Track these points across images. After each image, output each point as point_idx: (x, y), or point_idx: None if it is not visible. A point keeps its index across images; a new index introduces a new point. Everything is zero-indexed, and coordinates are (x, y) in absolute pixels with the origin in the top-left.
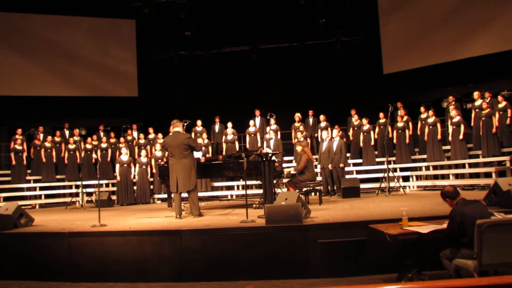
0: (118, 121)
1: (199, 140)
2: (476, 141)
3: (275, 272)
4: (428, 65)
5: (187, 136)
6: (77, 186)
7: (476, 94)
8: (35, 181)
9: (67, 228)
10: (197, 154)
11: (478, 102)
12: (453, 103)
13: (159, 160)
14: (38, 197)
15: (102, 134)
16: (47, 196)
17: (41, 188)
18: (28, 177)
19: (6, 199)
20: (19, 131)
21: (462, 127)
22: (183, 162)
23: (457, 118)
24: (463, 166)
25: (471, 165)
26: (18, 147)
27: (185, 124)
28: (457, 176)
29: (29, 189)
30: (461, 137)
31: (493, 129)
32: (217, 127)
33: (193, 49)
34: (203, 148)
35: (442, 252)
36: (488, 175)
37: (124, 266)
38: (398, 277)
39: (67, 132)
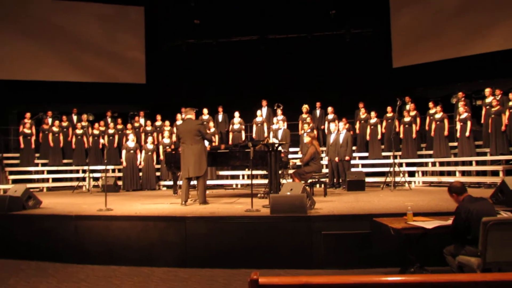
0: (126, 108)
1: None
2: (485, 139)
3: (278, 261)
4: (439, 60)
5: (198, 123)
6: (84, 171)
7: (487, 91)
8: (43, 164)
9: (74, 211)
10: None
11: (488, 99)
12: (462, 99)
13: (167, 147)
14: (46, 180)
15: (109, 120)
16: (54, 180)
17: (49, 172)
18: (36, 161)
19: (14, 181)
20: (28, 115)
21: (469, 123)
22: (194, 148)
23: (464, 115)
24: (470, 163)
25: (478, 163)
26: (27, 131)
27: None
28: (463, 173)
29: (37, 172)
30: (467, 134)
31: (502, 127)
32: (220, 117)
33: (202, 37)
34: (213, 138)
35: (445, 248)
36: (495, 173)
37: (129, 250)
38: (401, 271)
39: (75, 117)
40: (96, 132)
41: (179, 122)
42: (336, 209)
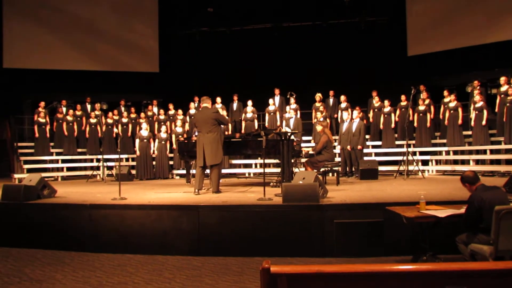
0: (139, 97)
1: None
2: (499, 127)
3: (291, 250)
4: (454, 48)
5: (214, 110)
6: (98, 160)
7: (503, 80)
8: (58, 153)
9: (88, 200)
10: None
11: (504, 88)
12: (477, 88)
13: (180, 136)
14: (61, 169)
15: (123, 109)
16: (69, 169)
17: (63, 161)
18: (51, 150)
19: (29, 170)
20: (42, 104)
21: (485, 112)
22: (209, 136)
23: (480, 104)
24: (484, 152)
25: (492, 151)
26: (41, 120)
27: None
28: (477, 162)
29: (51, 161)
30: (483, 123)
31: None
32: (235, 105)
33: (215, 25)
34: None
35: (458, 237)
36: (509, 162)
37: (143, 239)
38: (413, 259)
39: (88, 106)
40: (109, 121)
41: (192, 111)
42: (348, 197)
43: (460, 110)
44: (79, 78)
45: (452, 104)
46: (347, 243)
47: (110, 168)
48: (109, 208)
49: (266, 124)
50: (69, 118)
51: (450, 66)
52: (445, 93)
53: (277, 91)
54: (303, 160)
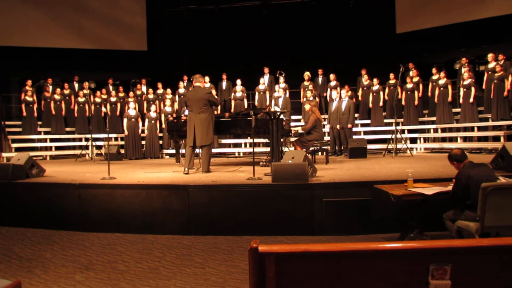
0: (127, 75)
1: None
2: (486, 104)
3: (280, 228)
4: (442, 25)
5: (207, 91)
6: (86, 139)
7: (490, 56)
8: (46, 133)
9: (77, 180)
10: None
11: (491, 65)
12: (466, 65)
13: (169, 116)
14: (49, 148)
15: (111, 88)
16: (57, 148)
17: (52, 140)
18: (39, 129)
19: (17, 149)
20: (29, 82)
21: (473, 90)
22: (201, 117)
23: (468, 81)
24: (471, 129)
25: (480, 129)
26: (29, 99)
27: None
28: (465, 139)
29: (39, 140)
30: (471, 100)
31: (505, 93)
32: (224, 84)
33: (203, 3)
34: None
35: (445, 214)
36: (496, 139)
37: (133, 218)
38: (401, 236)
39: (76, 85)
40: (98, 100)
41: (181, 90)
42: (337, 176)
43: (450, 87)
44: (67, 56)
45: (441, 82)
46: (336, 221)
47: (99, 147)
48: (98, 188)
49: (256, 103)
50: (56, 97)
51: (438, 43)
52: (434, 70)
53: (266, 70)
54: (293, 139)
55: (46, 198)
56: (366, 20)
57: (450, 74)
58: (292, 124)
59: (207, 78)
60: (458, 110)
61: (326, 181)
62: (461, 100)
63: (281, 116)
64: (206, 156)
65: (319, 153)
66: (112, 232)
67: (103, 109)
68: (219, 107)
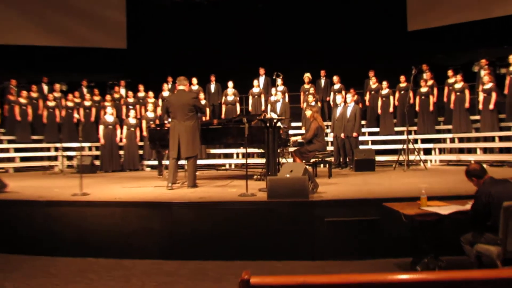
0: (104, 76)
1: None
2: (509, 111)
3: (276, 252)
4: (460, 22)
5: (193, 96)
6: (56, 149)
7: None
8: (9, 141)
9: (45, 196)
10: None
11: None
12: (485, 67)
13: (151, 122)
14: (12, 160)
15: (85, 90)
16: (22, 159)
17: (16, 150)
18: (1, 137)
19: None
20: None
21: (494, 95)
22: (186, 125)
23: (489, 85)
24: (492, 139)
25: (501, 139)
26: None
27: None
28: (485, 150)
29: (1, 150)
30: (491, 106)
31: None
32: (212, 87)
33: None
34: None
35: (463, 236)
36: None
37: (107, 241)
38: (413, 261)
39: (45, 87)
40: (70, 104)
41: (165, 93)
42: (341, 192)
43: (467, 92)
44: (34, 54)
45: (458, 86)
46: (339, 244)
47: (70, 158)
48: (68, 206)
49: (250, 108)
50: (22, 100)
51: (455, 43)
52: (450, 73)
53: (262, 71)
54: (291, 149)
55: (8, 218)
56: (374, 16)
57: (467, 77)
58: (291, 132)
59: (194, 80)
60: (477, 117)
61: (329, 198)
62: (480, 106)
63: (278, 124)
64: (192, 169)
65: (321, 165)
66: (83, 256)
67: (76, 114)
68: (207, 113)
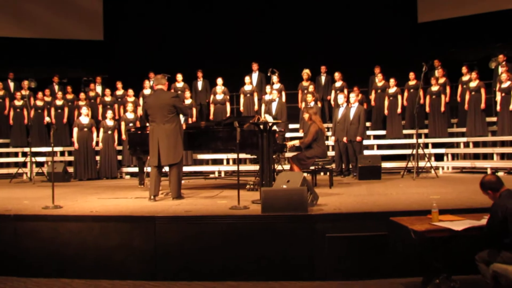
0: (78, 72)
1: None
2: None
3: (272, 272)
4: (476, 13)
5: (172, 95)
6: (24, 154)
7: None
8: None
9: (12, 209)
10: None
11: None
12: (503, 63)
13: (130, 124)
14: None
15: (56, 88)
16: None
17: None
18: None
19: None
20: None
21: None
22: (166, 128)
23: (507, 83)
24: (511, 143)
25: None
26: None
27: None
28: (502, 156)
29: None
30: (511, 107)
31: None
32: (200, 84)
33: None
34: (189, 111)
35: (478, 255)
36: None
37: (83, 260)
38: (423, 282)
39: (11, 84)
40: (39, 103)
41: (146, 91)
42: (344, 205)
43: (483, 91)
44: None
45: (473, 84)
46: (342, 262)
47: (40, 165)
48: (39, 220)
49: (241, 108)
50: None
51: (470, 37)
52: (464, 70)
53: (255, 66)
54: (288, 155)
55: None
56: (381, 6)
57: (483, 75)
58: (288, 135)
59: (179, 76)
60: (494, 119)
61: (330, 211)
62: (498, 108)
63: (274, 127)
64: (176, 178)
65: (321, 173)
66: (56, 277)
67: (46, 117)
68: (194, 113)
